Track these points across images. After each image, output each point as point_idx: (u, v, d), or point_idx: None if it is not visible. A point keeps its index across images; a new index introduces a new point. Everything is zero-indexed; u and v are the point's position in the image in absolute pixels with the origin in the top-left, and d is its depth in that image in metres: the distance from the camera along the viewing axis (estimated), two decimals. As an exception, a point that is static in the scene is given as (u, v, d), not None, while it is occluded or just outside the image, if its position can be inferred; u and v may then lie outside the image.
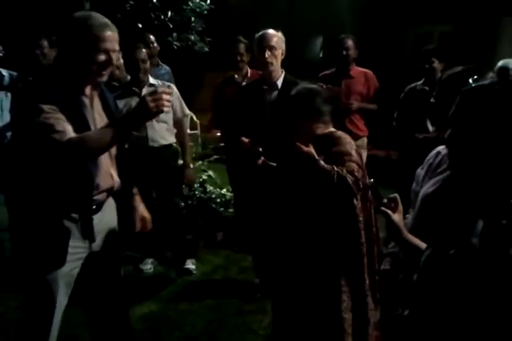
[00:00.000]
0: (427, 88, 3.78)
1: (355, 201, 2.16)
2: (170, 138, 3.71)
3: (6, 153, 3.09)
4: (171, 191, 3.78)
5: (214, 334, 3.00)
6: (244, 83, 3.92)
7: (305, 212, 2.27)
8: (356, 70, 4.16)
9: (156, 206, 3.80)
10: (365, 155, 4.18)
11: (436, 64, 3.79)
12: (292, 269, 2.35)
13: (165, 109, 1.80)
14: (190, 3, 7.44)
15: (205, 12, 7.61)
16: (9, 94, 3.88)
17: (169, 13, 7.23)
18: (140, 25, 6.90)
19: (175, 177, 3.76)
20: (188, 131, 4.00)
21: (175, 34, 7.37)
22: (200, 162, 4.79)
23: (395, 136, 4.21)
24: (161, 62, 4.59)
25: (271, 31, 3.13)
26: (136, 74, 3.52)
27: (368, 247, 2.24)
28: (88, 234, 2.00)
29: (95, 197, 2.00)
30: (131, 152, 3.43)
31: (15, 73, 4.03)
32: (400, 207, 1.61)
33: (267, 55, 3.07)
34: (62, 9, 6.53)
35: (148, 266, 3.84)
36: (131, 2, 7.03)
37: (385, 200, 1.59)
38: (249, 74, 4.02)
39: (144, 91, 3.57)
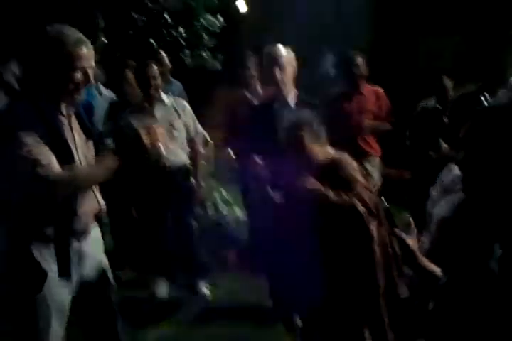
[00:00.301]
0: (439, 107, 3.76)
1: (371, 226, 2.13)
2: (183, 157, 3.69)
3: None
4: (183, 210, 3.75)
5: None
6: (255, 100, 3.93)
7: (319, 239, 2.23)
8: (367, 88, 4.14)
9: (170, 226, 3.78)
10: (377, 174, 4.14)
11: (447, 82, 3.77)
12: (309, 292, 2.31)
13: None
14: (202, 20, 7.54)
15: (218, 30, 7.69)
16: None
17: (181, 30, 7.32)
18: (152, 42, 6.99)
19: (188, 196, 3.74)
20: (201, 149, 3.99)
21: (187, 51, 7.45)
22: (213, 181, 4.76)
23: (409, 155, 4.17)
24: (172, 79, 4.63)
25: (280, 48, 3.14)
26: (148, 90, 3.53)
27: (386, 272, 2.20)
28: (65, 261, 1.92)
29: (79, 222, 1.94)
30: (144, 171, 3.48)
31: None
32: (414, 231, 1.58)
33: (276, 73, 3.08)
34: (75, 26, 6.63)
35: (160, 288, 3.78)
36: (144, 19, 7.14)
37: (398, 224, 1.57)
38: (260, 91, 4.02)
39: (156, 108, 3.58)
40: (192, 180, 3.83)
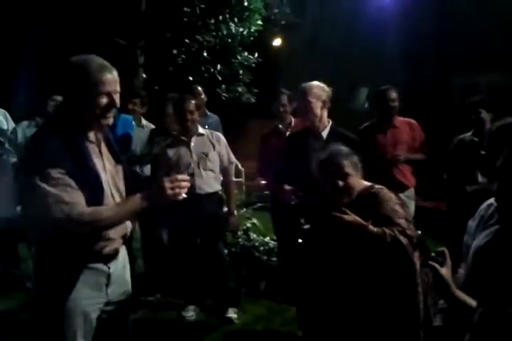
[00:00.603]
0: (476, 139, 3.72)
1: (414, 259, 2.09)
2: (216, 186, 3.77)
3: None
4: (215, 238, 3.79)
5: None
6: (288, 132, 4.00)
7: (359, 271, 2.20)
8: (400, 120, 4.16)
9: (200, 253, 3.83)
10: (413, 205, 4.10)
11: (484, 114, 3.74)
12: (343, 324, 2.27)
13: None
14: (238, 56, 7.77)
15: (253, 65, 7.89)
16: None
17: (218, 67, 7.55)
18: (191, 78, 7.22)
19: (219, 224, 3.78)
20: (233, 178, 4.06)
21: (223, 86, 7.65)
22: (245, 209, 4.82)
23: (445, 188, 4.12)
24: (208, 112, 4.75)
25: (313, 83, 3.22)
26: (185, 124, 3.65)
27: (424, 303, 2.15)
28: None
29: (109, 246, 1.94)
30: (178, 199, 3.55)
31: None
32: (449, 262, 1.55)
33: (309, 106, 3.14)
34: (117, 61, 6.94)
35: (190, 313, 3.81)
36: (183, 56, 7.40)
37: (433, 254, 1.55)
38: (292, 124, 4.10)
39: (193, 140, 3.70)
40: (224, 208, 3.89)
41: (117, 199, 1.95)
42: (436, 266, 1.51)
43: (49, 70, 6.97)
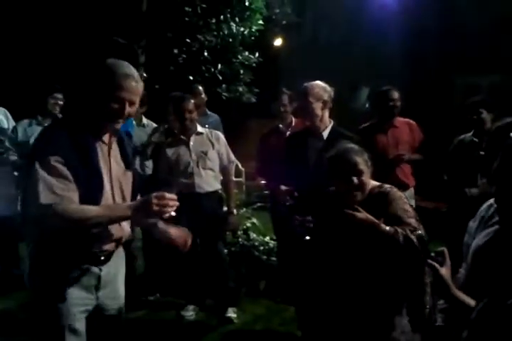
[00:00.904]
0: (476, 140, 3.72)
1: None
2: (215, 185, 3.78)
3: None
4: (215, 237, 3.80)
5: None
6: (288, 132, 4.00)
7: (367, 270, 2.18)
8: (399, 120, 4.16)
9: (200, 252, 3.83)
10: (413, 205, 4.11)
11: (485, 115, 3.73)
12: (344, 324, 2.26)
13: (171, 213, 1.75)
14: (239, 56, 7.77)
15: (254, 64, 7.89)
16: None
17: (219, 66, 7.54)
18: (191, 78, 7.22)
19: (219, 223, 3.78)
20: (233, 178, 4.06)
21: (224, 85, 7.65)
22: (244, 209, 4.82)
23: (445, 189, 4.12)
24: (209, 111, 4.75)
25: (314, 83, 3.20)
26: (184, 123, 3.66)
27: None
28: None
29: (103, 248, 1.93)
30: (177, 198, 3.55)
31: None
32: (448, 262, 1.55)
33: (309, 106, 3.13)
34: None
35: (189, 312, 3.81)
36: (184, 55, 7.40)
37: (433, 254, 1.55)
38: (293, 124, 4.09)
39: (192, 139, 3.70)
40: (224, 207, 3.89)
41: (117, 202, 1.95)
42: (436, 265, 1.51)
43: (50, 68, 7.00)
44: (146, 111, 4.56)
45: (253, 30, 7.82)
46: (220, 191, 3.86)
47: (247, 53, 7.85)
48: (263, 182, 4.58)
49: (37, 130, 3.77)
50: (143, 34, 7.44)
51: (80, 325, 1.94)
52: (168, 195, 1.74)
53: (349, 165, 2.20)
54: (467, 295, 1.48)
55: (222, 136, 3.90)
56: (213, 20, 7.49)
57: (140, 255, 4.27)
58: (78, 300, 1.91)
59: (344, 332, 2.25)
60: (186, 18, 7.33)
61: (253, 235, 4.47)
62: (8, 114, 4.51)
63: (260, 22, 7.91)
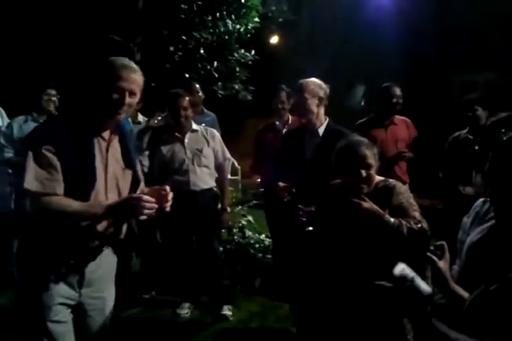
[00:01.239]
0: (470, 136, 3.72)
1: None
2: (211, 182, 3.77)
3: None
4: (210, 235, 3.79)
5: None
6: (285, 130, 3.99)
7: (368, 261, 2.18)
8: (397, 118, 4.17)
9: (195, 250, 3.82)
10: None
11: (480, 112, 3.74)
12: (341, 320, 2.26)
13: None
14: (235, 54, 7.75)
15: (250, 62, 7.88)
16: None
17: (215, 64, 7.53)
18: (187, 75, 7.20)
19: (214, 221, 3.78)
20: (229, 176, 4.05)
21: (220, 83, 7.63)
22: (240, 207, 4.81)
23: (441, 186, 4.13)
24: (206, 110, 4.73)
25: (308, 80, 3.20)
26: (178, 120, 3.64)
27: None
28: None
29: (89, 244, 1.93)
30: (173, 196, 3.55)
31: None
32: (447, 255, 1.56)
33: (306, 103, 3.13)
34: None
35: (185, 310, 3.81)
36: (180, 53, 7.38)
37: (432, 247, 1.56)
38: (290, 121, 4.09)
39: (187, 136, 3.68)
40: (219, 205, 3.88)
41: (111, 198, 1.93)
42: (434, 258, 1.51)
43: (46, 65, 6.97)
44: (142, 109, 4.55)
45: (249, 27, 7.80)
46: (215, 188, 3.85)
47: (243, 51, 7.84)
48: (259, 180, 4.57)
49: (32, 126, 3.74)
50: (139, 31, 7.42)
51: (64, 316, 1.94)
52: (145, 198, 1.75)
53: (359, 158, 2.20)
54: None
55: (217, 133, 3.88)
56: (209, 18, 7.47)
57: (135, 253, 4.27)
58: (61, 292, 1.91)
59: (342, 326, 2.25)
60: (182, 16, 7.31)
61: (248, 233, 4.47)
62: (2, 111, 4.49)
63: (256, 19, 7.89)
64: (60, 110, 2.03)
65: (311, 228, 2.49)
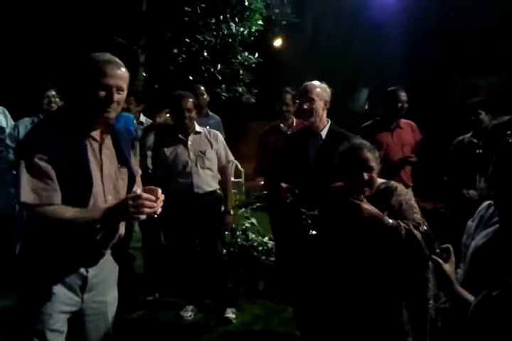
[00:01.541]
0: (475, 140, 3.72)
1: (426, 252, 2.09)
2: (214, 185, 3.76)
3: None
4: (214, 237, 3.78)
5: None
6: (289, 132, 3.99)
7: (369, 264, 2.20)
8: (403, 121, 4.17)
9: (198, 252, 3.82)
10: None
11: (483, 115, 3.74)
12: (345, 322, 2.26)
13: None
14: (239, 56, 7.77)
15: (253, 65, 7.90)
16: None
17: (219, 66, 7.55)
18: (190, 78, 7.22)
19: (217, 223, 3.77)
20: (232, 178, 4.05)
21: (223, 85, 7.65)
22: (243, 209, 4.81)
23: (445, 190, 4.12)
24: (210, 112, 4.74)
25: (314, 83, 3.21)
26: (182, 122, 3.63)
27: None
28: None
29: (90, 249, 1.90)
30: (176, 198, 3.57)
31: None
32: (453, 258, 1.56)
33: (305, 107, 3.14)
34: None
35: (188, 313, 3.80)
36: (184, 55, 7.40)
37: (438, 250, 1.56)
38: (294, 124, 4.09)
39: (190, 138, 3.68)
40: (222, 207, 3.88)
41: (111, 201, 1.89)
42: (440, 261, 1.52)
43: (50, 68, 6.99)
44: (145, 110, 4.55)
45: (253, 30, 7.83)
46: (218, 191, 3.85)
47: (246, 53, 7.86)
48: (262, 182, 4.57)
49: None
50: (143, 34, 7.46)
51: (62, 325, 1.91)
52: (144, 195, 1.71)
53: (360, 161, 2.21)
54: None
55: (220, 135, 3.88)
56: (213, 20, 7.49)
57: (139, 255, 4.27)
58: (63, 299, 1.87)
59: (346, 329, 2.25)
60: (186, 18, 7.34)
61: (252, 235, 4.46)
62: (7, 112, 4.50)
63: (260, 22, 7.92)
64: (57, 110, 1.96)
65: (314, 232, 2.50)
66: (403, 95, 4.03)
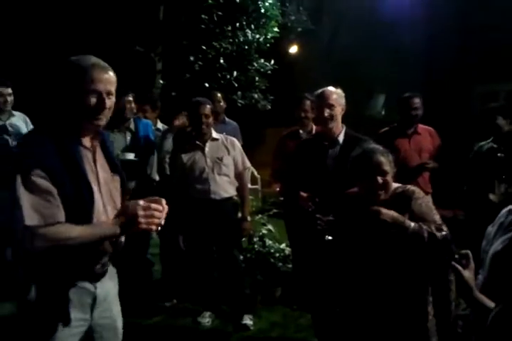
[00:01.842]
0: (495, 146, 3.68)
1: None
2: (231, 191, 3.77)
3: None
4: (231, 244, 3.79)
5: None
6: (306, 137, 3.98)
7: (391, 268, 2.19)
8: (421, 127, 4.15)
9: (215, 258, 3.83)
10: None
11: (500, 120, 3.71)
12: (367, 326, 2.25)
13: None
14: (255, 63, 7.80)
15: (269, 72, 7.92)
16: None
17: (235, 73, 7.58)
18: (207, 85, 7.26)
19: (234, 229, 3.78)
20: (249, 185, 4.05)
21: (239, 92, 7.67)
22: (260, 216, 4.81)
23: (465, 197, 4.08)
24: (228, 119, 4.76)
25: (330, 89, 3.22)
26: (200, 128, 3.66)
27: None
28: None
29: (98, 262, 1.82)
30: (193, 204, 3.58)
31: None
32: (472, 264, 1.55)
33: (325, 113, 3.14)
34: (135, 67, 7.08)
35: (206, 319, 3.81)
36: (200, 63, 7.45)
37: (457, 256, 1.55)
38: (313, 131, 4.07)
39: (207, 145, 3.70)
40: (239, 213, 3.89)
41: (110, 211, 1.81)
42: (459, 267, 1.50)
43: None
44: (163, 117, 4.60)
45: (268, 37, 7.85)
46: (235, 197, 3.86)
47: (262, 60, 7.88)
48: (278, 189, 4.57)
49: None
50: (160, 42, 7.52)
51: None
52: (153, 205, 1.66)
53: (374, 165, 2.21)
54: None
55: (237, 142, 3.90)
56: (229, 28, 7.53)
57: (157, 261, 4.29)
58: (74, 322, 1.75)
59: (366, 336, 2.24)
60: (202, 26, 7.38)
61: (269, 242, 4.45)
62: (28, 120, 4.57)
63: (276, 29, 7.93)
64: (44, 118, 1.79)
65: (330, 237, 2.50)
66: (416, 102, 4.02)
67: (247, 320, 3.74)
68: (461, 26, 7.73)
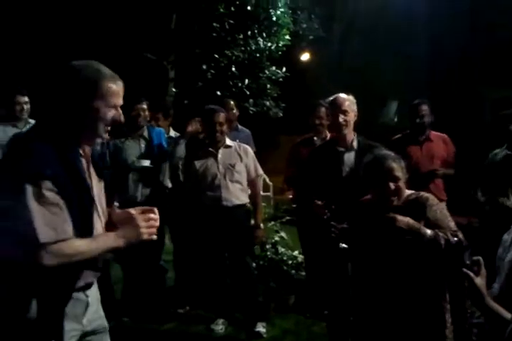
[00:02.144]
0: (509, 152, 3.66)
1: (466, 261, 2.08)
2: (243, 198, 3.77)
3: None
4: (243, 250, 3.78)
5: None
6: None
7: (408, 275, 2.18)
8: (434, 134, 4.14)
9: (228, 266, 3.83)
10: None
11: (514, 128, 3.68)
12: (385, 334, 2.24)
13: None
14: (266, 71, 7.84)
15: (281, 79, 7.95)
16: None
17: (246, 81, 7.62)
18: (219, 93, 7.31)
19: (247, 236, 3.77)
20: (261, 191, 4.05)
21: (251, 100, 7.71)
22: (273, 223, 4.80)
23: (479, 204, 4.05)
24: (241, 126, 4.78)
25: (342, 95, 3.23)
26: (214, 135, 3.68)
27: None
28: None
29: (94, 273, 1.76)
30: (205, 211, 3.59)
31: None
32: (484, 271, 1.54)
33: (340, 120, 3.15)
34: (148, 75, 7.14)
35: (219, 326, 3.79)
36: (212, 71, 7.51)
37: (468, 262, 1.53)
38: (327, 138, 4.06)
39: (220, 152, 3.72)
40: (251, 220, 3.89)
41: (102, 217, 1.76)
42: (471, 274, 1.49)
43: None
44: (175, 125, 4.62)
45: (280, 45, 7.90)
46: (248, 204, 3.86)
47: (274, 68, 7.92)
48: (291, 196, 4.56)
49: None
50: (172, 50, 7.60)
51: None
52: (152, 216, 1.68)
53: (385, 171, 2.21)
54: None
55: (250, 149, 3.91)
56: (241, 36, 7.59)
57: (171, 268, 4.30)
58: (68, 334, 1.68)
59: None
60: (214, 34, 7.45)
61: (281, 249, 4.44)
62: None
63: (287, 37, 7.98)
64: (44, 123, 1.65)
65: (344, 245, 2.49)
66: (424, 109, 4.01)
67: (260, 328, 3.72)
68: (474, 31, 7.71)
